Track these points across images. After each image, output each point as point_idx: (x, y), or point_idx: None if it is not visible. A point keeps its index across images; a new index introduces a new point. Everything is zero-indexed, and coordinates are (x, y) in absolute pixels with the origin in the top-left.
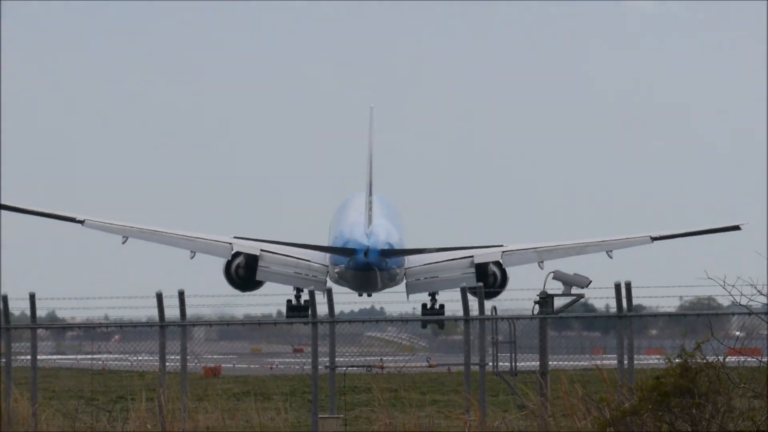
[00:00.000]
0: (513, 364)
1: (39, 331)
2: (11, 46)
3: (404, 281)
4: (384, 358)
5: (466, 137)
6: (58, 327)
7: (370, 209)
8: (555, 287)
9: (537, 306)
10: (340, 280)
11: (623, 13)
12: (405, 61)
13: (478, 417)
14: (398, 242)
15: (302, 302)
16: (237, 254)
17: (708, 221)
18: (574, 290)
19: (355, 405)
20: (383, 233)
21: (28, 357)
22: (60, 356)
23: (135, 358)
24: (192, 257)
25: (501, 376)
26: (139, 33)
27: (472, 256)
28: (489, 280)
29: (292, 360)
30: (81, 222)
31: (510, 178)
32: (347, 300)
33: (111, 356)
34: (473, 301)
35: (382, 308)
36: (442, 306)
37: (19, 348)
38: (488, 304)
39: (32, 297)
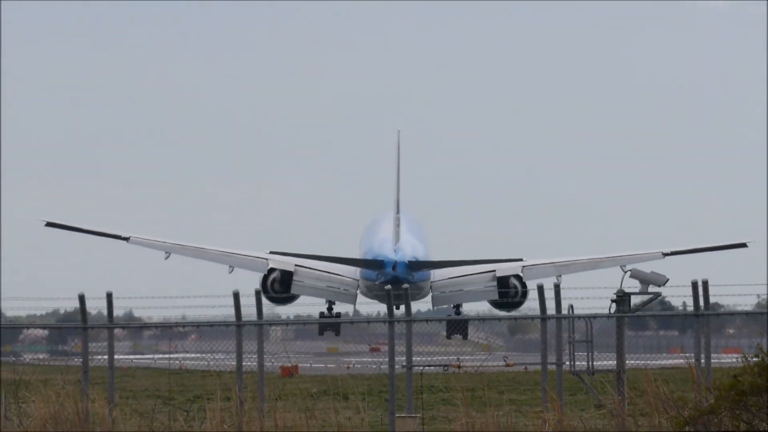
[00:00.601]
0: (590, 363)
1: (116, 330)
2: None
3: (430, 294)
4: (461, 358)
5: (487, 157)
6: (135, 326)
7: (398, 226)
8: (632, 285)
9: (614, 304)
10: (369, 293)
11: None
12: (430, 80)
13: (557, 416)
14: (424, 256)
15: (333, 314)
16: (272, 269)
17: (720, 235)
18: (651, 288)
19: (432, 404)
20: (410, 248)
21: (105, 357)
22: (137, 356)
23: (212, 357)
24: (230, 272)
25: (578, 375)
26: (171, 63)
27: (494, 270)
28: (510, 292)
29: (369, 359)
30: (126, 239)
31: (529, 195)
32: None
33: (188, 356)
34: (550, 300)
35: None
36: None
37: (96, 348)
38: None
39: (109, 296)
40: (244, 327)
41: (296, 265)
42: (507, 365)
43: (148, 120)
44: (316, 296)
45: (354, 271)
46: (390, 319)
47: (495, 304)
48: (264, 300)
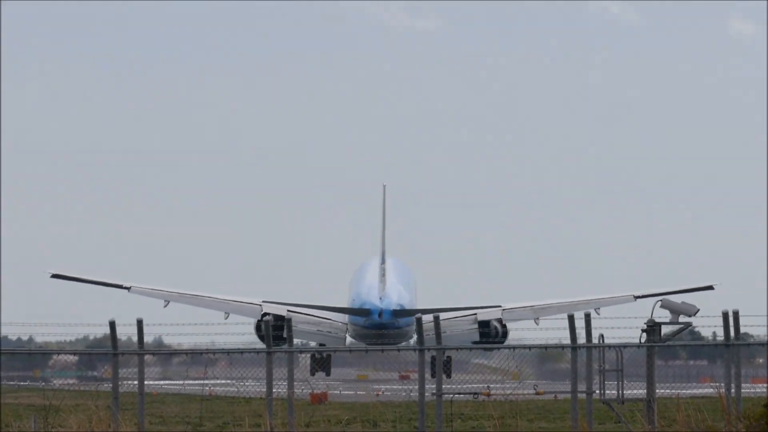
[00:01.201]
0: (620, 392)
1: (146, 356)
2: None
3: (414, 337)
4: (491, 386)
5: (469, 207)
6: (166, 353)
7: (383, 275)
8: (662, 315)
9: (644, 334)
10: (357, 337)
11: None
12: (413, 133)
13: None
14: (409, 303)
15: (324, 356)
16: (266, 314)
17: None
18: (682, 318)
19: None
20: (395, 295)
21: (135, 382)
22: (167, 382)
23: (241, 384)
24: (226, 318)
25: (608, 404)
26: (168, 88)
27: (475, 314)
28: (491, 333)
29: (399, 387)
30: (128, 288)
31: (506, 243)
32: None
33: (217, 382)
34: (581, 329)
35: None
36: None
37: (127, 373)
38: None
39: (140, 323)
40: (274, 354)
41: (288, 311)
42: (537, 393)
43: (140, 172)
44: (308, 339)
45: (343, 316)
46: (420, 347)
47: (477, 344)
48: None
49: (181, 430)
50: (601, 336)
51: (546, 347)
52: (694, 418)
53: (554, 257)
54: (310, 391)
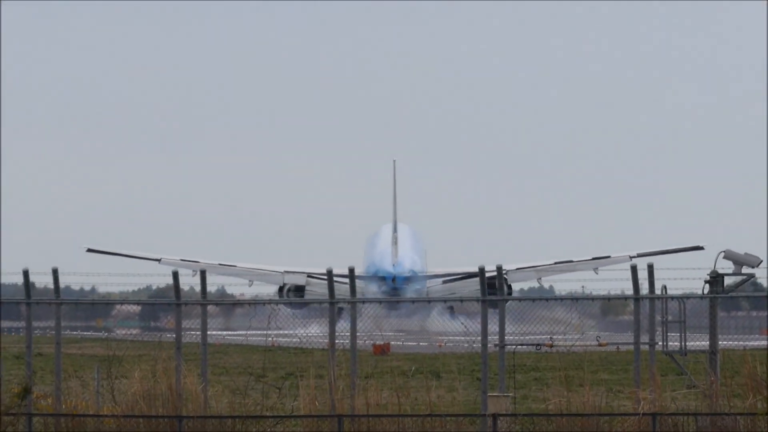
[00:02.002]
0: (683, 343)
1: (209, 307)
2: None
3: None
4: (553, 337)
5: (476, 172)
6: (228, 303)
7: (395, 243)
8: (725, 266)
9: (707, 285)
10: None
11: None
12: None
13: (655, 395)
14: (420, 268)
15: None
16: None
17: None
18: (745, 269)
19: (524, 384)
20: (408, 262)
21: (198, 333)
22: (229, 332)
23: (304, 335)
24: (250, 285)
25: (671, 356)
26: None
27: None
28: (497, 293)
29: (462, 338)
30: (158, 260)
31: (513, 205)
32: (515, 278)
33: (280, 333)
34: (643, 280)
35: (551, 286)
36: None
37: (189, 324)
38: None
39: (203, 273)
40: (337, 304)
41: (308, 277)
42: (599, 345)
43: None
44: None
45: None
46: (483, 298)
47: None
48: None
49: (243, 380)
50: (664, 287)
51: (609, 298)
52: (759, 369)
53: (553, 224)
54: (372, 342)
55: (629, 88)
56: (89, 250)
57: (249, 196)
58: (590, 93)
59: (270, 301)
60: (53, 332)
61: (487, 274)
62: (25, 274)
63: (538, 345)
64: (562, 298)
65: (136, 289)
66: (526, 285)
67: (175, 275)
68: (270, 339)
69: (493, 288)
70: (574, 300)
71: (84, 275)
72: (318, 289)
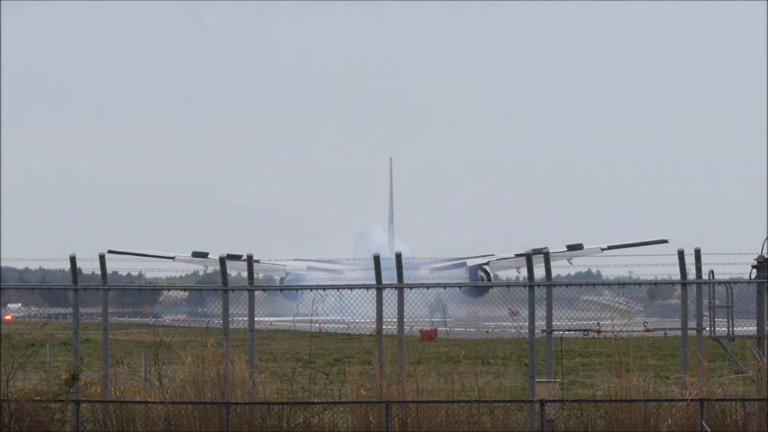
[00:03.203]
0: (730, 328)
1: (256, 293)
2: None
3: None
4: (601, 322)
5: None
6: (276, 288)
7: (392, 233)
8: None
9: (754, 270)
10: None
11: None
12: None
13: (702, 380)
14: (411, 257)
15: None
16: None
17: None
18: None
19: (571, 369)
20: (405, 248)
21: (246, 318)
22: (276, 318)
23: (352, 320)
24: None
25: (718, 341)
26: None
27: (465, 264)
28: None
29: (509, 324)
30: (173, 258)
31: (494, 197)
32: (563, 264)
33: (328, 319)
34: (690, 265)
35: (598, 272)
36: None
37: (237, 310)
38: (477, 301)
39: (250, 258)
40: (385, 290)
41: (308, 267)
42: (646, 330)
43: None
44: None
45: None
46: (530, 283)
47: (467, 291)
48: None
49: (291, 366)
50: (711, 272)
51: (656, 283)
52: None
53: (537, 216)
54: (420, 327)
55: (628, 85)
56: (110, 252)
57: (246, 190)
58: (591, 90)
59: (318, 287)
60: (100, 318)
61: (469, 264)
62: (72, 260)
63: (585, 330)
64: (609, 283)
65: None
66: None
67: (222, 261)
68: (317, 325)
69: (474, 277)
70: (621, 285)
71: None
72: (318, 275)
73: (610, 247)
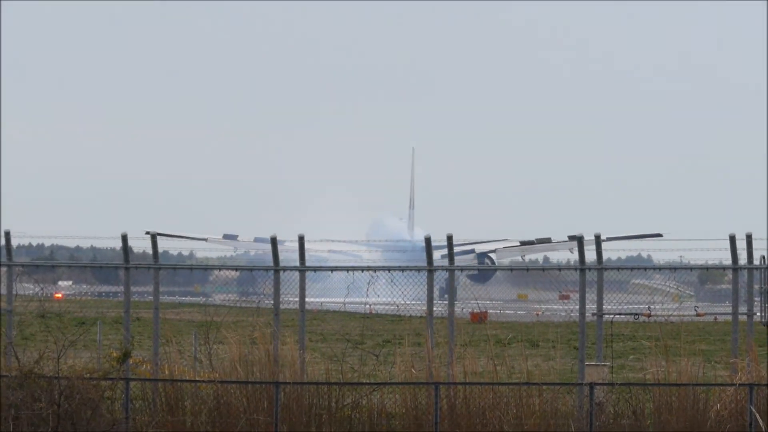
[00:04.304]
0: None
1: (307, 273)
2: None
3: None
4: (651, 306)
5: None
6: (326, 269)
7: (411, 218)
8: None
9: None
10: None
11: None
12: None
13: (755, 365)
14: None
15: None
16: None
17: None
18: None
19: (620, 353)
20: (421, 233)
21: (296, 299)
22: (327, 299)
23: (402, 302)
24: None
25: None
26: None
27: (473, 250)
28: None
29: (559, 307)
30: (205, 239)
31: (505, 188)
32: (613, 247)
33: (378, 300)
34: (741, 251)
35: (649, 255)
36: None
37: (287, 291)
38: (482, 287)
39: (301, 239)
40: (435, 272)
41: (330, 251)
42: (697, 315)
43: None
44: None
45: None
46: (581, 267)
47: (471, 276)
48: None
49: (340, 347)
50: (762, 257)
51: (707, 268)
52: None
53: (541, 202)
54: (470, 310)
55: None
56: (147, 233)
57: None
58: (594, 88)
59: (368, 268)
60: (151, 297)
61: (477, 251)
62: (124, 238)
63: (636, 314)
64: (660, 267)
65: (234, 254)
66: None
67: (273, 241)
68: (368, 306)
69: (481, 261)
70: (672, 269)
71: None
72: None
73: (609, 239)
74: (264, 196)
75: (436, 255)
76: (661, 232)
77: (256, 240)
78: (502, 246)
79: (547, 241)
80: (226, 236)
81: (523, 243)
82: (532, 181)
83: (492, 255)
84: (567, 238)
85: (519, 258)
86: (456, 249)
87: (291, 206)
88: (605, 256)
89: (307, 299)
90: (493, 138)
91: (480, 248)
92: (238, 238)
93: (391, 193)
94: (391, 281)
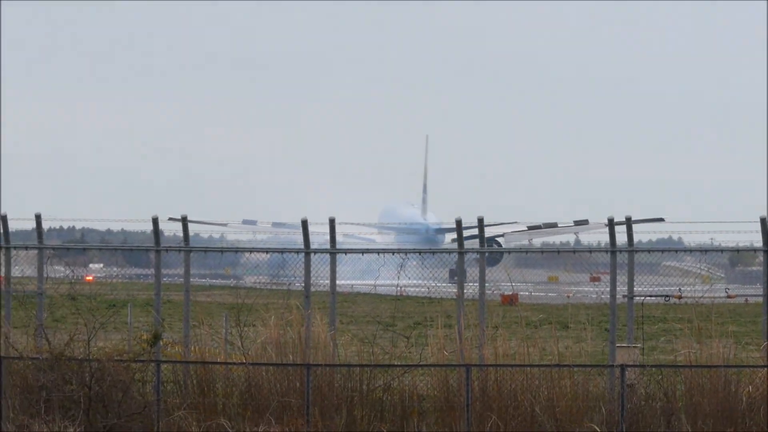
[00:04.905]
0: None
1: (337, 255)
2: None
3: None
4: (682, 288)
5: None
6: (357, 251)
7: (425, 202)
8: None
9: None
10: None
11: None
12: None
13: None
14: (440, 224)
15: None
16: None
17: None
18: None
19: (651, 335)
20: (433, 218)
21: (327, 281)
22: (357, 281)
23: (432, 284)
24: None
25: None
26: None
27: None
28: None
29: (589, 289)
30: (225, 225)
31: (514, 174)
32: (644, 230)
33: (409, 282)
34: None
35: (680, 238)
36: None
37: (318, 273)
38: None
39: (332, 222)
40: (466, 255)
41: (344, 234)
42: (728, 297)
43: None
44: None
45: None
46: (612, 249)
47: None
48: None
49: (372, 329)
50: None
51: (737, 250)
52: None
53: (550, 187)
54: (501, 292)
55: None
56: (170, 219)
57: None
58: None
59: (399, 251)
60: (182, 279)
61: (486, 235)
62: (155, 221)
63: (666, 296)
64: (690, 250)
65: (265, 237)
66: (655, 236)
67: (304, 224)
68: (399, 288)
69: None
70: (703, 251)
71: (210, 224)
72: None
73: (616, 223)
74: (274, 183)
75: (447, 239)
76: (663, 217)
77: (275, 225)
78: (510, 230)
79: (554, 225)
80: (245, 221)
81: (530, 228)
82: (558, 165)
83: (500, 239)
84: (573, 223)
85: (526, 242)
86: (466, 233)
87: (296, 194)
88: (622, 239)
89: (338, 282)
90: (507, 122)
91: (489, 231)
92: (257, 224)
93: (401, 181)
94: (422, 263)
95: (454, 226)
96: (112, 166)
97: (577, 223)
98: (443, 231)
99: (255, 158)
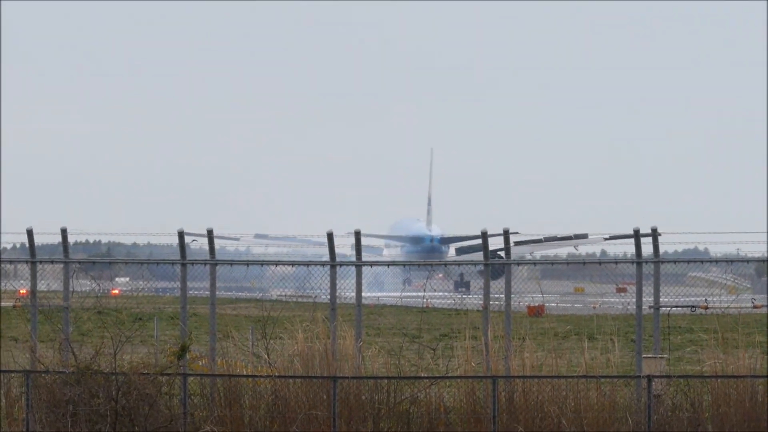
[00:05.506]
0: None
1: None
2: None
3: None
4: (708, 299)
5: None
6: (383, 264)
7: (430, 213)
8: None
9: None
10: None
11: None
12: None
13: None
14: (444, 235)
15: None
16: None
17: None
18: None
19: (678, 346)
20: (438, 230)
21: (353, 293)
22: (383, 294)
23: (458, 296)
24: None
25: None
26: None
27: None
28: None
29: (616, 299)
30: (238, 239)
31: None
32: (670, 240)
33: (434, 294)
34: None
35: (706, 248)
36: None
37: (343, 285)
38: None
39: (357, 234)
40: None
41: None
42: (754, 307)
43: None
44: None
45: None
46: (638, 260)
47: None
48: None
49: (398, 341)
50: None
51: (764, 260)
52: None
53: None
54: (527, 303)
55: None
56: (186, 234)
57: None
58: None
59: (425, 263)
60: (208, 293)
61: (491, 248)
62: (181, 235)
63: (693, 307)
64: (717, 260)
65: (291, 250)
66: (680, 247)
67: (330, 236)
68: (425, 300)
69: (494, 256)
70: (729, 262)
71: (235, 239)
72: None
73: (612, 237)
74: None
75: (450, 251)
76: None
77: (286, 239)
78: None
79: (554, 238)
80: (257, 236)
81: (524, 242)
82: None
83: (501, 253)
84: (573, 236)
85: (527, 255)
86: (470, 242)
87: (305, 207)
88: (648, 249)
89: (363, 294)
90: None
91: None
92: (269, 237)
93: (406, 194)
94: (447, 273)
95: (457, 235)
96: (136, 178)
97: (578, 236)
98: (447, 240)
99: (261, 172)
